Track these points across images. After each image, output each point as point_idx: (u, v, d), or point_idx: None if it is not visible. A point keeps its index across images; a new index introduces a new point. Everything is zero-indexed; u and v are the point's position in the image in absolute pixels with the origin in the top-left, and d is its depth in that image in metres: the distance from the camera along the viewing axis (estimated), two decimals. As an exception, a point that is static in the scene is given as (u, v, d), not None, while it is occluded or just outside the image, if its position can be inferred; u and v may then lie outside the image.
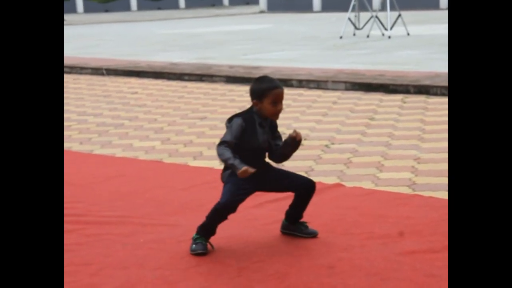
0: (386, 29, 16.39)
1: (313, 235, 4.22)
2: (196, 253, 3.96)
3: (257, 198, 4.98)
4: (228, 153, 3.86)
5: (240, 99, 9.57)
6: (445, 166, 5.71)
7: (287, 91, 10.18)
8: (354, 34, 16.97)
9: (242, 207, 4.83)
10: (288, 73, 10.89)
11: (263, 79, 4.02)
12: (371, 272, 3.64)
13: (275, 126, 4.10)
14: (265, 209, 4.75)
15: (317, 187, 5.23)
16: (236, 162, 3.82)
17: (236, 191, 3.95)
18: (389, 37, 15.95)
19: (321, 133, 7.19)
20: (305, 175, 5.67)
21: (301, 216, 4.25)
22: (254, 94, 3.98)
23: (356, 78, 10.06)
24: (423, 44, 14.27)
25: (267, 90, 3.93)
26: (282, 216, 4.60)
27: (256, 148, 3.98)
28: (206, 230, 4.02)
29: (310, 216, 4.60)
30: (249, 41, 17.50)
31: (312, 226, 4.42)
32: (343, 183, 5.37)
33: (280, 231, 4.29)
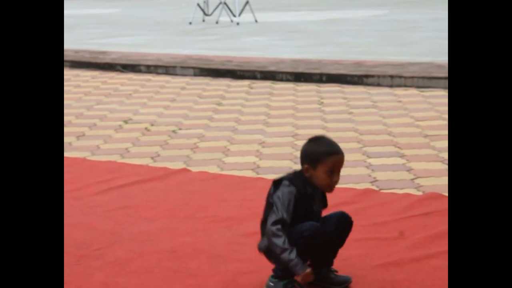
0: (234, 16, 16.58)
1: (346, 284, 3.39)
2: None
3: (101, 185, 4.90)
4: (283, 243, 3.10)
5: (85, 84, 9.35)
6: (288, 150, 5.86)
7: (135, 77, 10.14)
8: (203, 20, 17.03)
9: (84, 194, 4.74)
10: (136, 58, 10.76)
11: (321, 140, 3.27)
12: (212, 255, 3.69)
13: (325, 198, 3.36)
14: (108, 196, 4.68)
15: (163, 172, 5.25)
16: (296, 260, 3.09)
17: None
18: (238, 23, 16.15)
19: (168, 118, 7.17)
20: (151, 161, 5.64)
21: (331, 262, 3.41)
22: (306, 158, 3.21)
23: (204, 64, 10.10)
24: (270, 31, 14.54)
25: (325, 155, 3.18)
26: (125, 202, 4.55)
27: (309, 217, 3.24)
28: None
29: (154, 202, 4.58)
30: (97, 25, 17.13)
31: (156, 212, 4.39)
32: (189, 168, 5.38)
33: None
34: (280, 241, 3.11)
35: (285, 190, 3.17)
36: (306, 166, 3.20)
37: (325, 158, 3.16)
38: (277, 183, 3.24)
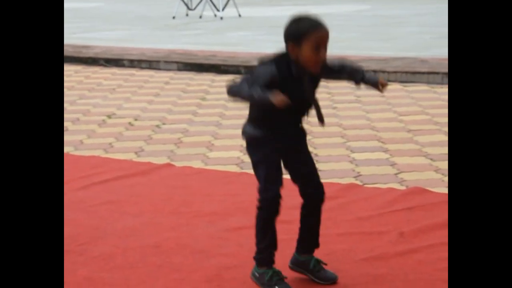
0: (218, 10, 16.55)
1: (331, 281, 3.32)
2: None
3: (84, 180, 4.88)
4: (246, 87, 2.93)
5: (68, 79, 9.29)
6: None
7: (118, 71, 10.11)
8: (187, 15, 16.98)
9: (67, 189, 4.71)
10: (119, 53, 10.72)
11: (304, 17, 3.08)
12: (196, 249, 3.69)
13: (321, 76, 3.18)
14: (91, 191, 4.67)
15: (147, 167, 5.23)
16: (263, 92, 2.88)
17: (271, 171, 3.10)
18: (221, 18, 16.13)
19: (152, 113, 7.15)
20: (134, 156, 5.63)
21: (315, 243, 3.33)
22: (290, 36, 3.03)
23: (188, 59, 10.07)
24: (254, 26, 14.54)
25: (309, 30, 3.00)
26: (109, 197, 4.54)
27: (297, 103, 3.02)
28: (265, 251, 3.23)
29: (138, 197, 4.57)
30: (79, 19, 17.04)
31: (139, 207, 4.38)
32: (173, 163, 5.37)
33: (289, 267, 3.37)
34: (243, 88, 2.97)
35: (266, 69, 3.01)
36: (290, 44, 3.02)
37: (309, 32, 3.00)
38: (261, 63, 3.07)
